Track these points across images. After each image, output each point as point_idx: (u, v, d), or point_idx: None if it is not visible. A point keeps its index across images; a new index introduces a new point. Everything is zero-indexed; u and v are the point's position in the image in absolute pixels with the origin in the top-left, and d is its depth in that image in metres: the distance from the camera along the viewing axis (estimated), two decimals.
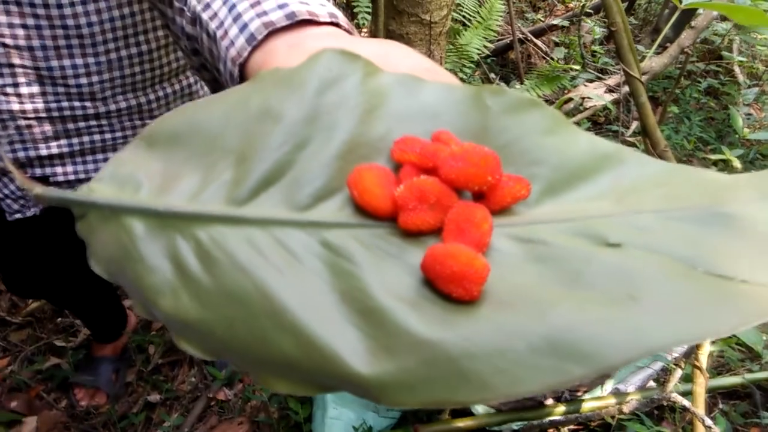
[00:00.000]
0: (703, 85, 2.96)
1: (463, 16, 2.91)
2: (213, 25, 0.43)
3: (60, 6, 0.73)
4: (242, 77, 0.40)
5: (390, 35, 1.79)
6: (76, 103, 0.83)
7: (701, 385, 1.00)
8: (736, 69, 3.02)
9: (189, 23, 0.46)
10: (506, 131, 0.30)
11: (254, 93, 0.30)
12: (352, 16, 3.09)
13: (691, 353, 1.05)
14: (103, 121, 0.88)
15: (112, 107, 0.87)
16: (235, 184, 0.28)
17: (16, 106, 0.80)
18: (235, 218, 0.27)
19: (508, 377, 0.22)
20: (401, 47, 0.35)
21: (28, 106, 0.81)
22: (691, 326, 0.22)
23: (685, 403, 1.03)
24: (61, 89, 0.81)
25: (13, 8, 0.72)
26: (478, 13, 2.90)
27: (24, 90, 0.79)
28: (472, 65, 2.81)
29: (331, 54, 0.31)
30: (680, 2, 0.88)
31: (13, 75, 0.78)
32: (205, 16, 0.44)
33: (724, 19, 2.88)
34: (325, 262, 0.26)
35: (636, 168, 0.29)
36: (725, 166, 2.31)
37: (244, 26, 0.40)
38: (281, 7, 0.39)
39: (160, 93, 0.91)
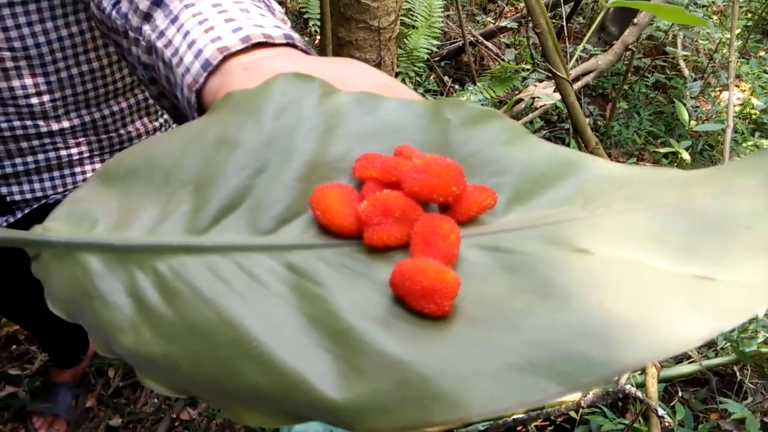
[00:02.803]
0: (651, 80, 3.03)
1: (411, 18, 2.93)
2: (168, 53, 0.42)
3: (6, 29, 0.72)
4: (200, 103, 0.39)
5: (340, 42, 1.78)
6: (29, 122, 0.82)
7: (653, 375, 1.02)
8: (681, 63, 3.11)
9: (145, 52, 0.46)
10: (468, 143, 0.30)
11: (211, 123, 0.30)
12: (304, 23, 3.08)
13: None
14: (57, 138, 0.87)
15: (66, 124, 0.85)
16: (194, 213, 0.27)
17: None
18: (195, 247, 0.26)
19: (483, 395, 0.21)
20: (358, 65, 0.34)
21: None
22: (665, 339, 0.22)
23: (639, 394, 1.05)
24: (11, 109, 0.80)
25: None
26: (421, 13, 2.91)
27: None
28: (424, 66, 2.82)
29: (285, 78, 0.31)
30: (606, 1, 0.90)
31: None
32: (159, 44, 0.43)
33: None
34: (291, 285, 0.25)
35: (599, 171, 0.29)
36: (675, 158, 2.37)
37: (199, 52, 0.39)
38: (235, 31, 0.39)
39: (115, 108, 0.89)
